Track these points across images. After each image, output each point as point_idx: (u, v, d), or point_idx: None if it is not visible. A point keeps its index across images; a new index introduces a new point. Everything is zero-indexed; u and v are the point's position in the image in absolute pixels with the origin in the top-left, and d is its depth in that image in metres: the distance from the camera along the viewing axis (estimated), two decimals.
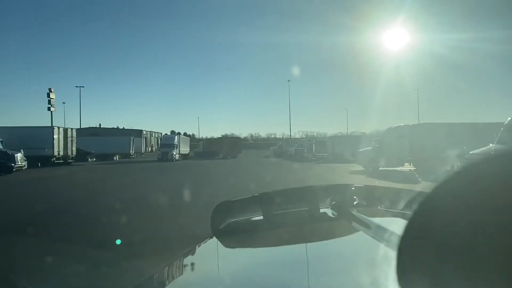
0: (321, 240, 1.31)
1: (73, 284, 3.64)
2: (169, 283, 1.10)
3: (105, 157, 39.99)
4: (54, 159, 29.42)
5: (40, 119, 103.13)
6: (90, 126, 70.96)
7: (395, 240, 0.59)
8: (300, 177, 17.73)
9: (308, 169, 23.67)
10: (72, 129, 34.62)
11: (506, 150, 0.52)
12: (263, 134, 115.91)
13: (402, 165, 21.21)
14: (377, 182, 11.95)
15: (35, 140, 28.08)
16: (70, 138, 32.87)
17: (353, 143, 31.07)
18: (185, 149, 46.94)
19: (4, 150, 22.26)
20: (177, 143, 42.73)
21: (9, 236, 5.87)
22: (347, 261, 1.05)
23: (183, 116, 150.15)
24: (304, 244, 1.28)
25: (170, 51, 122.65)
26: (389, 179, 14.45)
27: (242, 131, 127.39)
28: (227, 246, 1.30)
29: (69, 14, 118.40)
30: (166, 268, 1.23)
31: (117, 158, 43.46)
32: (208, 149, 49.65)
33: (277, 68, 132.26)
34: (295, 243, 1.31)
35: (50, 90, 41.99)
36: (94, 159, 38.44)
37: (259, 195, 1.55)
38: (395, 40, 46.68)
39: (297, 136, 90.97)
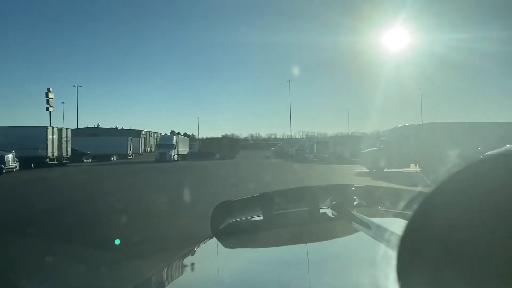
0: (321, 240, 1.31)
1: (73, 284, 3.65)
2: (169, 283, 1.09)
3: (102, 158, 38.98)
4: (48, 160, 28.81)
5: (39, 119, 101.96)
6: (88, 126, 70.41)
7: (395, 240, 0.59)
8: (303, 179, 16.94)
9: (310, 170, 23.06)
10: (67, 129, 33.89)
11: (507, 150, 0.51)
12: (263, 134, 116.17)
13: (408, 166, 20.68)
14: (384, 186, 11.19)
15: (29, 140, 27.55)
16: (65, 139, 32.25)
17: (355, 143, 30.89)
18: (184, 149, 46.09)
19: None
20: (175, 144, 41.72)
21: None
22: (347, 261, 1.03)
23: (183, 116, 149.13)
24: (304, 244, 1.28)
25: (169, 51, 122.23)
26: (397, 182, 13.68)
27: (242, 131, 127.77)
28: (227, 246, 1.29)
29: (69, 14, 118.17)
30: (166, 268, 1.18)
31: (115, 159, 42.54)
32: (205, 150, 48.44)
33: (277, 68, 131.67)
34: (295, 243, 1.29)
35: (48, 90, 41.57)
36: (90, 160, 37.56)
37: (259, 195, 1.53)
38: (395, 40, 46.12)
39: (297, 136, 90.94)
